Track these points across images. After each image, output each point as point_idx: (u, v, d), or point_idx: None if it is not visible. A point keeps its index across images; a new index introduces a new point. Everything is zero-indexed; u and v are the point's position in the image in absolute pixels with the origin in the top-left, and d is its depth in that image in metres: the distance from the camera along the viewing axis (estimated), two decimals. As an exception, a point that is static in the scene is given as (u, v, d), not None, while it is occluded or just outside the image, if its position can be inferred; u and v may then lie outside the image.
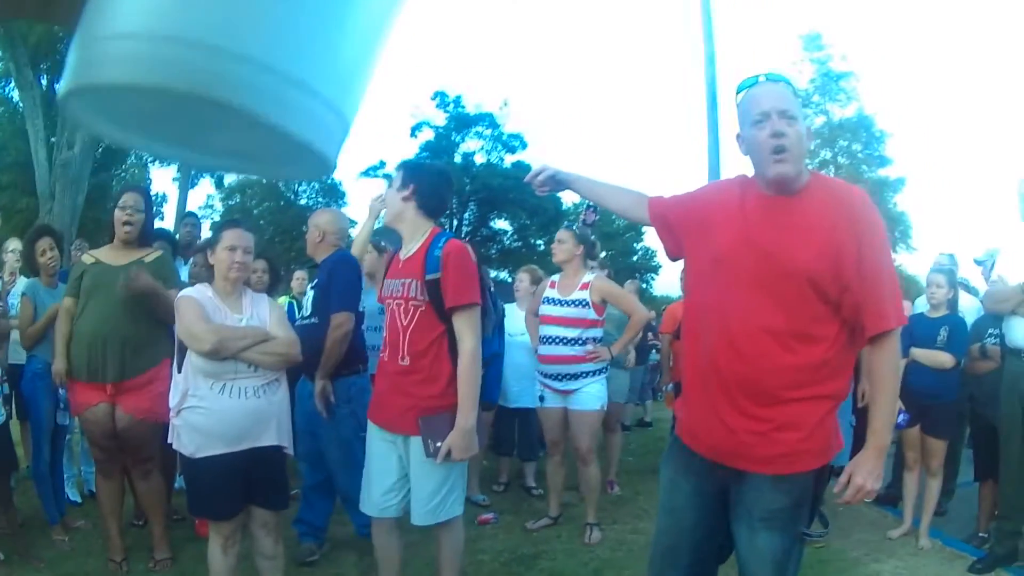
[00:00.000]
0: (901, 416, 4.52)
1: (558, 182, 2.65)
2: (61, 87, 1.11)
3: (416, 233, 3.03)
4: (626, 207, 2.64)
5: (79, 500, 4.87)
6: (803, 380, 2.10)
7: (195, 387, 2.92)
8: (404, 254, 3.05)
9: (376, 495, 3.04)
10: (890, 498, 5.29)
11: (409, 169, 3.12)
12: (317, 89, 1.10)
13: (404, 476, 3.00)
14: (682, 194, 2.51)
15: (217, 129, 1.24)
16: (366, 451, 3.12)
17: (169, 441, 3.03)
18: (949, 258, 5.69)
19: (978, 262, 6.09)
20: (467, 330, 2.88)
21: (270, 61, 0.99)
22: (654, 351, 9.05)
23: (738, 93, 2.24)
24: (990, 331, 4.55)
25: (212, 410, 2.91)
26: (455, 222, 30.60)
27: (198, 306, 2.97)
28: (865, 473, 2.06)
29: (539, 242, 33.43)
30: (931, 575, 4.09)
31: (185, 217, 5.68)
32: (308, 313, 4.03)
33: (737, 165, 2.32)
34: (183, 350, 2.95)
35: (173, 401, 2.96)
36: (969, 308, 5.32)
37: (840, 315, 2.09)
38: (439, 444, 2.82)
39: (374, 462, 3.07)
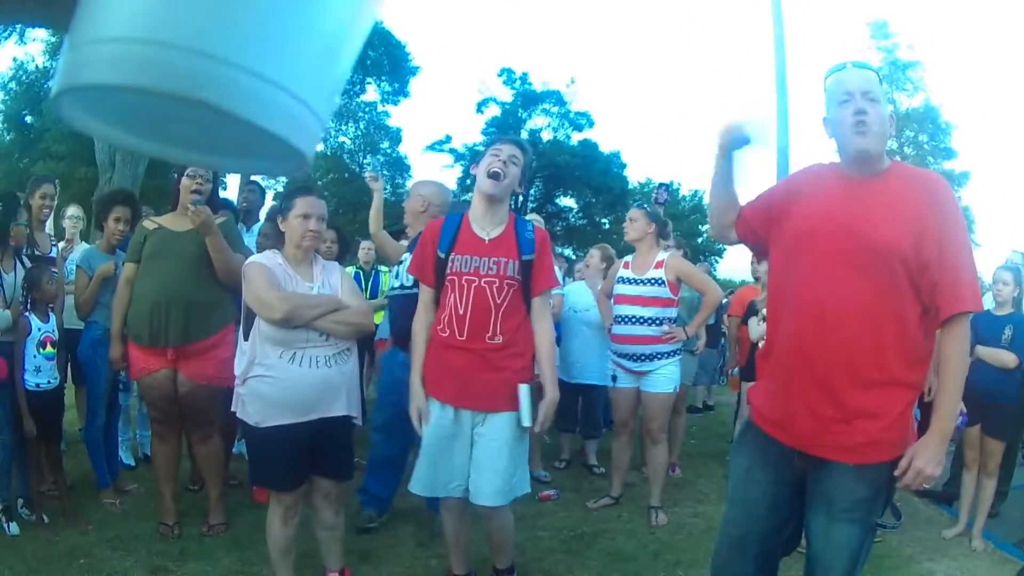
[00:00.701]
0: (960, 417, 4.44)
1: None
2: (53, 88, 1.19)
3: (500, 214, 3.08)
4: (726, 213, 2.53)
5: (132, 464, 4.94)
6: (893, 360, 2.11)
7: (263, 355, 2.89)
8: (487, 235, 3.03)
9: (443, 476, 3.01)
10: (946, 496, 5.21)
11: (521, 143, 3.20)
12: (293, 90, 1.19)
13: (469, 457, 3.00)
14: (763, 194, 2.53)
15: (201, 129, 1.32)
16: (428, 431, 3.03)
17: (233, 410, 3.01)
18: (1022, 256, 5.56)
19: None
20: (548, 311, 3.10)
21: (248, 63, 1.06)
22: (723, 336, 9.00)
23: (826, 78, 2.31)
24: None
25: (280, 379, 2.87)
26: (520, 199, 30.92)
27: (268, 273, 2.94)
28: (927, 457, 2.05)
29: (604, 220, 33.57)
30: (982, 576, 4.01)
31: (248, 184, 5.71)
32: (409, 283, 3.82)
33: (804, 151, 2.31)
34: (250, 317, 2.93)
35: (239, 369, 2.94)
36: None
37: (920, 297, 2.10)
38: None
39: (443, 443, 2.99)
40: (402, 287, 3.98)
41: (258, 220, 5.20)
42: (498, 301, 2.95)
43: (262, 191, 5.97)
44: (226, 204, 4.67)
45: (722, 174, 2.44)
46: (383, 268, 6.63)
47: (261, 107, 1.20)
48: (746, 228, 2.49)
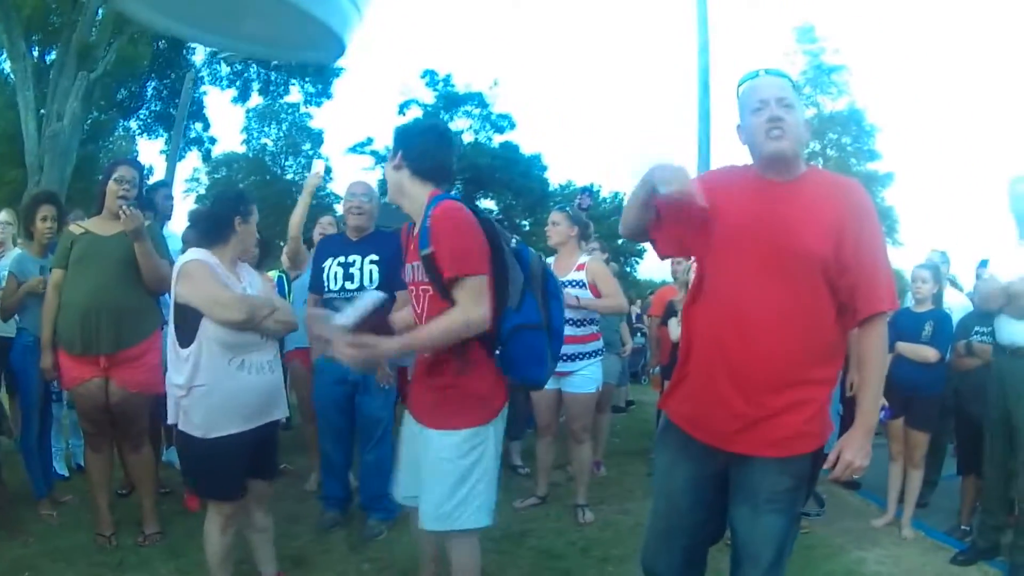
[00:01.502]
0: (883, 411, 4.58)
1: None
2: None
3: (416, 204, 2.61)
4: (634, 216, 2.44)
5: (67, 474, 4.85)
6: (809, 360, 2.17)
7: (210, 362, 2.78)
8: (414, 232, 2.62)
9: (408, 485, 2.72)
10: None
11: (396, 134, 2.71)
12: None
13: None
14: None
15: (245, 15, 1.37)
16: (403, 438, 2.81)
17: (172, 422, 2.90)
18: (941, 255, 5.72)
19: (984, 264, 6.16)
20: (472, 305, 2.43)
21: None
22: (639, 334, 9.07)
23: (739, 86, 2.33)
24: (977, 328, 4.58)
25: (230, 387, 2.81)
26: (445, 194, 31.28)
27: (214, 272, 2.86)
28: (855, 449, 2.12)
29: (524, 223, 33.45)
30: (914, 565, 4.13)
31: (159, 187, 5.56)
32: (374, 286, 3.83)
33: (726, 153, 2.36)
34: (189, 321, 2.80)
35: (181, 378, 2.79)
36: (957, 304, 5.38)
37: (837, 298, 2.16)
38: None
39: (405, 450, 2.76)
40: (360, 289, 3.91)
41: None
42: (419, 311, 2.61)
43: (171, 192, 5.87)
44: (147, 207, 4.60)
45: (642, 200, 2.33)
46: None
47: None
48: (660, 229, 2.42)
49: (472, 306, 2.42)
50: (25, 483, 4.23)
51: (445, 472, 2.51)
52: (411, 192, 2.61)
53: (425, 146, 2.63)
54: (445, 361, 2.53)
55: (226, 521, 2.95)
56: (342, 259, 4.08)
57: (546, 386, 4.16)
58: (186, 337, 2.81)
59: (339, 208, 4.53)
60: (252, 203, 3.10)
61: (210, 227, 3.01)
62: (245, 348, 2.84)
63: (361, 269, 4.05)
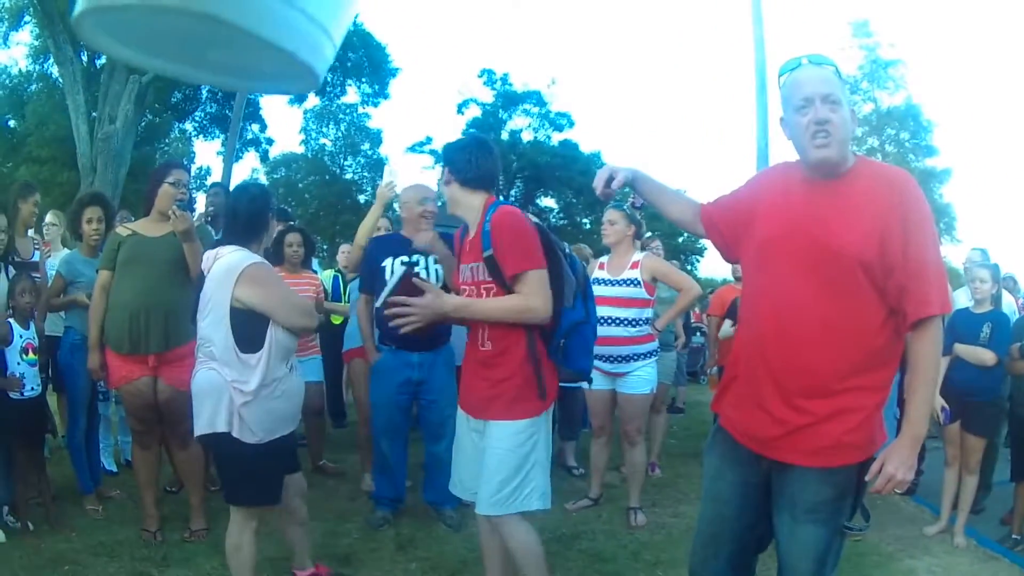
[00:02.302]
0: (944, 413, 4.47)
1: (625, 183, 2.58)
2: (76, 9, 1.21)
3: (472, 211, 2.89)
4: (681, 215, 2.59)
5: (115, 470, 4.94)
6: (853, 369, 2.08)
7: (275, 367, 2.77)
8: (471, 237, 2.89)
9: (466, 480, 2.92)
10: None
11: (443, 152, 3.05)
12: (308, 11, 1.20)
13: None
14: (728, 194, 2.50)
15: (214, 46, 1.35)
16: (455, 436, 3.03)
17: (225, 430, 2.77)
18: (982, 253, 5.59)
19: None
20: (534, 295, 2.68)
21: None
22: (698, 333, 8.94)
23: (780, 76, 2.23)
24: None
25: (287, 390, 2.85)
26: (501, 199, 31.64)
27: (278, 275, 2.92)
28: (897, 462, 2.02)
29: (585, 220, 33.54)
30: (965, 573, 4.04)
31: (212, 187, 5.65)
32: (436, 285, 3.73)
33: (786, 150, 2.29)
34: (255, 325, 2.74)
35: (249, 385, 2.72)
36: (1009, 306, 5.25)
37: (886, 302, 2.07)
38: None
39: (461, 448, 2.96)
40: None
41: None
42: None
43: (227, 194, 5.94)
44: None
45: (655, 203, 2.50)
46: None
47: (273, 24, 1.21)
48: (711, 227, 2.48)
49: (535, 296, 2.68)
50: (72, 480, 4.30)
51: (505, 461, 2.71)
52: (465, 202, 2.89)
53: (468, 158, 2.89)
54: (508, 354, 2.74)
55: (256, 527, 2.93)
56: (405, 259, 4.09)
57: (601, 387, 4.39)
58: (249, 342, 2.74)
59: (398, 208, 4.50)
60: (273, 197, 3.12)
61: (247, 224, 2.93)
62: (293, 351, 2.90)
63: (427, 268, 4.08)
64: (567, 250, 2.95)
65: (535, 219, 2.94)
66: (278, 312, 2.76)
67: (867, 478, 2.07)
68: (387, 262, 4.12)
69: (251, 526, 2.90)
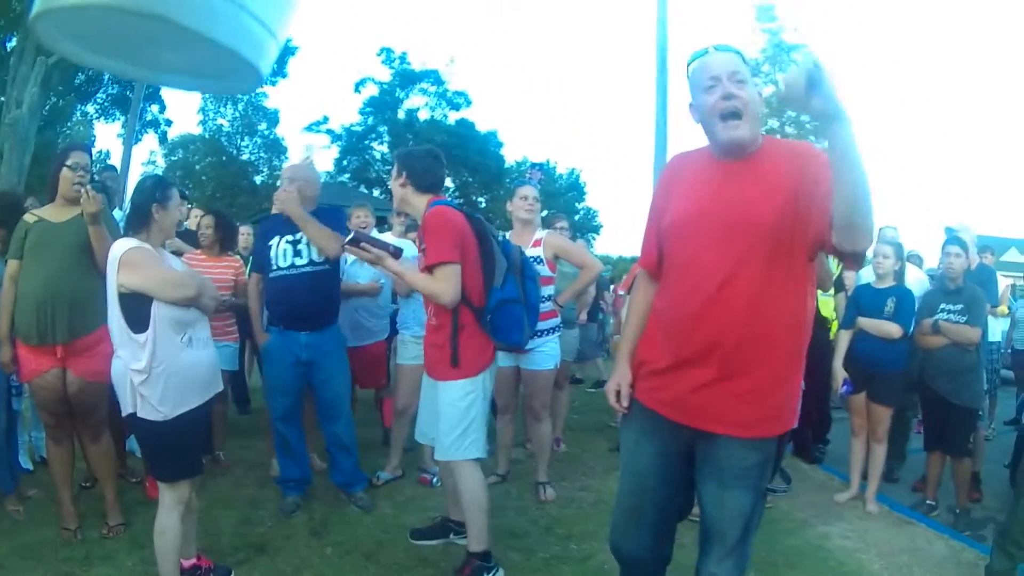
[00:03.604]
0: (844, 387, 4.64)
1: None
2: (33, 11, 1.24)
3: (417, 209, 3.44)
4: (649, 302, 2.47)
5: (31, 468, 4.78)
6: (780, 337, 2.13)
7: (165, 343, 2.86)
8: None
9: (427, 427, 3.54)
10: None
11: (400, 157, 3.52)
12: (251, 9, 1.24)
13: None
14: (646, 226, 2.49)
15: (164, 47, 1.38)
16: (422, 393, 3.61)
17: (132, 411, 2.90)
18: (892, 230, 5.79)
19: (949, 231, 6.21)
20: (441, 283, 3.19)
21: None
22: (599, 312, 9.07)
23: (688, 65, 2.27)
24: (942, 306, 4.65)
25: (185, 363, 2.91)
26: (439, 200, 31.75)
27: (155, 255, 2.96)
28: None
29: (481, 199, 33.65)
30: (880, 539, 4.17)
31: (104, 170, 5.49)
32: (318, 259, 4.10)
33: (683, 131, 2.35)
34: (138, 305, 2.85)
35: (139, 363, 2.82)
36: (915, 281, 5.46)
37: (807, 257, 2.12)
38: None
39: (424, 402, 3.58)
40: (312, 263, 4.12)
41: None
42: None
43: (118, 175, 5.82)
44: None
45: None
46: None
47: (220, 24, 1.23)
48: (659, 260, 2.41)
49: (441, 284, 3.19)
50: (-12, 480, 4.15)
51: (449, 414, 3.31)
52: (414, 202, 3.45)
53: (425, 167, 3.47)
54: (444, 327, 3.29)
55: (184, 506, 3.00)
56: (290, 236, 4.12)
57: (504, 364, 4.45)
58: (138, 323, 2.85)
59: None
60: (171, 187, 3.16)
61: (133, 214, 3.05)
62: (191, 324, 2.97)
63: (308, 244, 4.11)
64: (500, 237, 3.53)
65: (469, 212, 3.43)
66: (154, 289, 2.86)
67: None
68: (273, 241, 4.15)
69: (178, 508, 2.99)
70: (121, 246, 2.92)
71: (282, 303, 4.15)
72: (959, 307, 4.58)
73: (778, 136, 31.16)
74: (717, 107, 2.12)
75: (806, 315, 2.18)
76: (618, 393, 2.44)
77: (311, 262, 4.10)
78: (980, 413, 4.97)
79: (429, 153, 3.62)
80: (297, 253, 4.10)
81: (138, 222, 3.02)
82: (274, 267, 4.13)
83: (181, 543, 3.03)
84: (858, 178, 1.85)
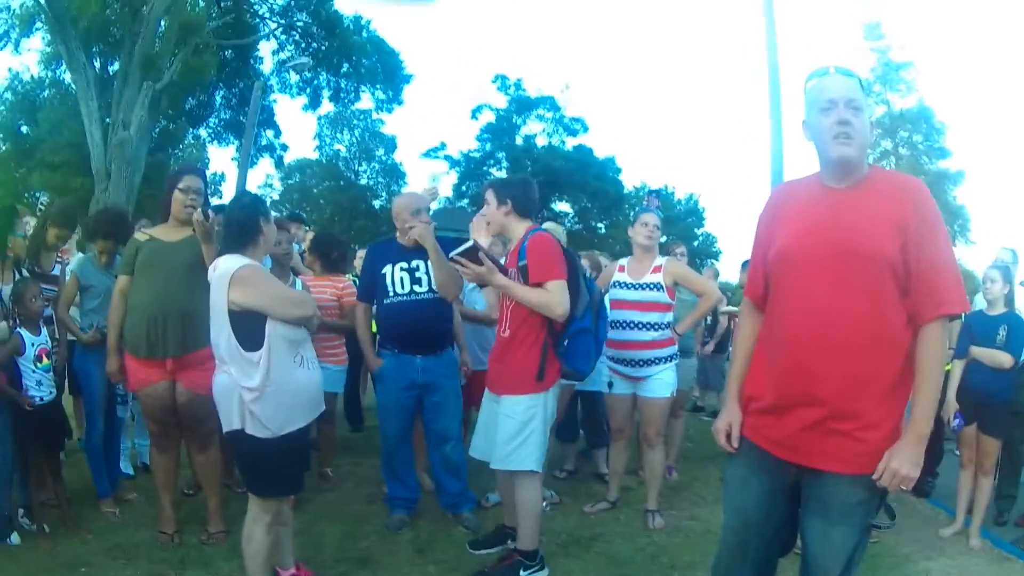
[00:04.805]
0: (957, 419, 4.47)
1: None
2: None
3: (516, 233, 3.69)
4: (754, 338, 2.46)
5: (132, 473, 4.94)
6: (886, 372, 2.11)
7: (279, 361, 2.89)
8: (511, 249, 3.72)
9: (484, 442, 3.67)
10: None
11: (500, 187, 3.75)
12: None
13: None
14: (752, 253, 2.50)
15: None
16: (481, 410, 3.80)
17: (239, 427, 2.94)
18: (1011, 253, 5.54)
19: None
20: (554, 295, 3.42)
21: None
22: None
23: (808, 81, 2.30)
24: None
25: (297, 383, 2.96)
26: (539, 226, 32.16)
27: (269, 273, 3.05)
28: (901, 459, 2.05)
29: (600, 225, 33.82)
30: (980, 574, 4.03)
31: (217, 212, 5.66)
32: (425, 289, 4.16)
33: (798, 154, 2.33)
34: (252, 323, 2.88)
35: (253, 381, 2.85)
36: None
37: (907, 303, 2.11)
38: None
39: (483, 418, 3.73)
40: (425, 291, 4.17)
41: None
42: (508, 303, 3.60)
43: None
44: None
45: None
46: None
47: None
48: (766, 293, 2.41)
49: (555, 296, 3.42)
50: (88, 482, 4.32)
51: (507, 425, 3.49)
52: (515, 227, 3.70)
53: (526, 195, 3.74)
54: (521, 343, 3.51)
55: (272, 519, 3.05)
56: (404, 264, 4.16)
57: (622, 391, 4.53)
58: (251, 341, 2.88)
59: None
60: (266, 204, 3.27)
61: (239, 232, 3.08)
62: (302, 344, 3.01)
63: (428, 273, 4.15)
64: (587, 274, 3.83)
65: (566, 247, 3.74)
66: (271, 307, 2.90)
67: (873, 476, 2.08)
68: (387, 269, 4.18)
69: (264, 519, 3.03)
70: (231, 263, 2.95)
71: (400, 328, 4.19)
72: None
73: (892, 157, 30.67)
74: (831, 129, 2.16)
75: (910, 347, 2.14)
76: (728, 433, 2.40)
77: (431, 290, 4.14)
78: None
79: (526, 181, 3.86)
80: (416, 281, 4.14)
81: (244, 239, 3.06)
82: (391, 293, 4.17)
83: (269, 552, 3.08)
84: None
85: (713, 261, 32.91)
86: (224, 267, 2.95)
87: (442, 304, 4.21)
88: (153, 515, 4.03)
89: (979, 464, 4.53)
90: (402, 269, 4.16)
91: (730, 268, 30.05)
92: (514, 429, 3.48)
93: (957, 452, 4.77)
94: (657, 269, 4.48)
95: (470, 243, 3.49)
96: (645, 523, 4.53)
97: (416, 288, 4.14)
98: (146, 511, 4.20)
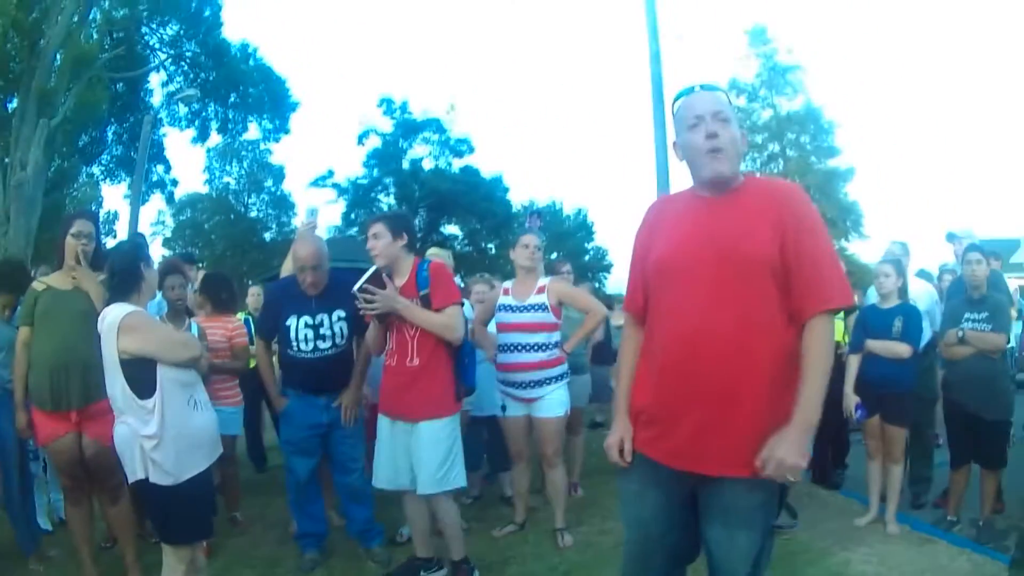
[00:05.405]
0: (859, 411, 4.61)
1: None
2: None
3: (406, 266, 3.80)
4: (637, 351, 2.46)
5: (50, 528, 4.81)
6: (771, 375, 2.12)
7: (172, 405, 2.88)
8: (399, 283, 3.75)
9: (391, 473, 3.76)
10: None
11: (393, 220, 3.88)
12: None
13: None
14: (630, 270, 2.52)
15: None
16: (378, 438, 3.85)
17: (142, 477, 2.91)
18: (901, 246, 5.73)
19: (951, 237, 6.16)
20: (455, 319, 3.68)
21: None
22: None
23: (675, 103, 2.34)
24: (967, 315, 4.63)
25: (194, 426, 2.95)
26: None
27: (154, 319, 3.07)
28: (787, 447, 2.03)
29: (490, 246, 33.76)
30: (902, 560, 4.11)
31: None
32: (345, 342, 4.19)
33: (681, 170, 2.38)
34: (143, 372, 2.87)
35: (150, 428, 2.85)
36: (922, 293, 5.40)
37: (789, 303, 2.14)
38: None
39: (383, 449, 3.80)
40: (334, 346, 4.18)
41: None
42: (411, 333, 3.70)
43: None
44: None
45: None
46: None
47: None
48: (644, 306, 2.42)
49: (455, 320, 3.69)
50: (12, 541, 4.23)
51: (436, 451, 3.63)
52: (405, 259, 3.81)
53: (414, 230, 3.97)
54: (429, 367, 3.67)
55: (187, 567, 3.03)
56: (309, 320, 4.13)
57: (515, 413, 4.53)
58: (144, 388, 2.87)
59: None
60: (147, 247, 3.31)
61: (122, 280, 3.08)
62: (194, 385, 3.02)
63: (332, 328, 4.14)
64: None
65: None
66: (159, 352, 2.91)
67: (757, 464, 2.07)
68: (291, 321, 4.13)
69: (180, 568, 3.02)
70: (116, 311, 2.93)
71: (305, 379, 4.18)
72: (984, 315, 4.56)
73: (780, 160, 31.25)
74: (701, 145, 2.18)
75: (794, 348, 2.16)
76: (621, 449, 2.40)
77: (334, 345, 4.14)
78: (1011, 421, 4.85)
79: (410, 215, 4.15)
80: (320, 337, 4.11)
81: (127, 286, 3.06)
82: (294, 347, 4.14)
83: None
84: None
85: (605, 275, 33.34)
86: (111, 317, 2.93)
87: (347, 353, 4.22)
88: (75, 571, 3.93)
89: (887, 453, 4.66)
90: (307, 325, 4.12)
91: (620, 282, 30.41)
92: (444, 452, 3.64)
93: (864, 441, 4.92)
94: (541, 289, 4.49)
95: (374, 268, 3.56)
96: (555, 542, 4.53)
97: (320, 344, 4.12)
98: (68, 567, 4.08)
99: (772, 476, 2.06)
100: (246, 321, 5.93)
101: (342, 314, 4.11)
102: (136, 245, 3.31)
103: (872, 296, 5.08)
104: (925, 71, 59.94)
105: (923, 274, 6.32)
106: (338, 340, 4.15)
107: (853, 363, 4.71)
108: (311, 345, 4.11)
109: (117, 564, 4.01)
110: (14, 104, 16.35)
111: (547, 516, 4.86)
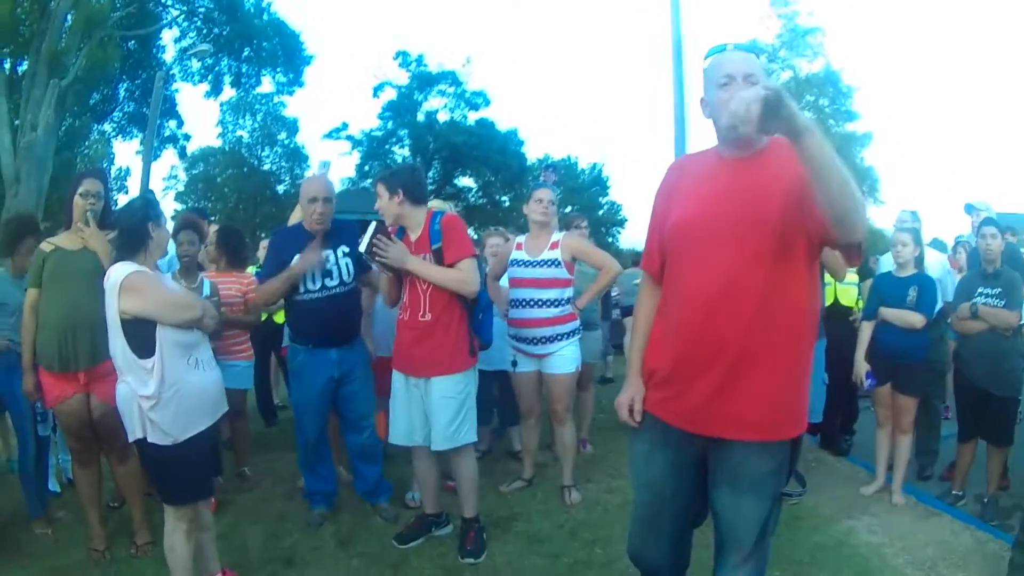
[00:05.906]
0: (869, 379, 4.58)
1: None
2: None
3: (416, 221, 3.73)
4: (653, 310, 2.47)
5: (59, 490, 4.84)
6: (789, 341, 2.13)
7: (172, 366, 2.88)
8: (413, 238, 3.73)
9: (406, 429, 3.76)
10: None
11: (389, 179, 3.75)
12: None
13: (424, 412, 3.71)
14: (649, 229, 2.49)
15: None
16: (392, 394, 3.82)
17: (141, 436, 2.93)
18: (912, 215, 5.68)
19: (970, 209, 6.10)
20: (469, 274, 3.62)
21: None
22: (617, 309, 8.96)
23: (705, 59, 2.29)
24: (980, 290, 4.58)
25: (194, 386, 2.94)
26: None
27: (158, 279, 3.00)
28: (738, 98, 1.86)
29: (504, 198, 33.72)
30: (905, 532, 4.11)
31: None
32: (352, 279, 4.17)
33: (702, 121, 2.33)
34: (143, 331, 2.87)
35: (149, 389, 2.84)
36: (933, 263, 5.35)
37: (811, 254, 2.13)
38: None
39: (398, 404, 3.79)
40: (341, 283, 4.14)
41: None
42: (423, 287, 3.66)
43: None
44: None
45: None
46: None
47: None
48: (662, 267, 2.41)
49: (470, 274, 3.62)
50: (18, 504, 4.25)
51: (448, 407, 3.63)
52: (412, 214, 3.73)
53: (415, 181, 3.78)
54: (441, 322, 3.63)
55: (189, 526, 3.05)
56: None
57: (526, 368, 4.53)
58: (144, 348, 2.87)
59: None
60: (159, 205, 3.26)
61: (129, 238, 3.06)
62: (195, 346, 3.00)
63: (338, 264, 4.11)
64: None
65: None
66: (158, 313, 2.89)
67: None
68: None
69: (181, 527, 3.03)
70: (120, 271, 2.92)
71: (314, 326, 4.13)
72: (997, 291, 4.51)
73: None
74: (728, 105, 2.11)
75: (811, 314, 2.17)
76: (631, 408, 2.42)
77: (342, 282, 4.11)
78: (1020, 399, 4.83)
79: (412, 168, 4.03)
80: (327, 274, 4.08)
81: (134, 245, 3.03)
82: (301, 290, 4.09)
83: (193, 560, 3.08)
84: (836, 178, 1.88)
85: (619, 230, 33.27)
86: (114, 276, 2.92)
87: (354, 294, 4.20)
88: (83, 533, 3.96)
89: (896, 422, 4.64)
90: (343, 254, 4.12)
91: (635, 235, 30.28)
92: (456, 408, 3.64)
93: (873, 409, 4.90)
94: (555, 245, 4.46)
95: (375, 223, 3.54)
96: (562, 499, 4.56)
97: (327, 282, 4.08)
98: (76, 529, 4.12)
99: (737, 111, 1.84)
100: (258, 274, 5.94)
101: (346, 250, 4.10)
102: (147, 202, 3.26)
103: (886, 264, 5.02)
104: (948, 38, 58.71)
105: (936, 243, 6.27)
106: (344, 277, 4.12)
107: (866, 330, 4.67)
108: (318, 284, 4.07)
109: (125, 524, 4.06)
110: (24, 67, 16.32)
111: (555, 472, 4.90)
